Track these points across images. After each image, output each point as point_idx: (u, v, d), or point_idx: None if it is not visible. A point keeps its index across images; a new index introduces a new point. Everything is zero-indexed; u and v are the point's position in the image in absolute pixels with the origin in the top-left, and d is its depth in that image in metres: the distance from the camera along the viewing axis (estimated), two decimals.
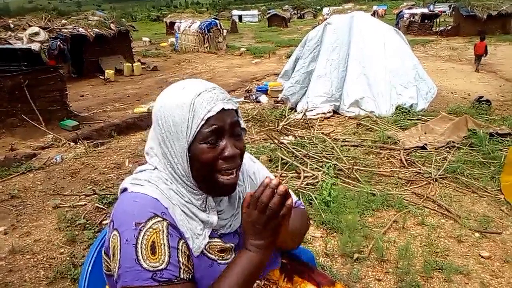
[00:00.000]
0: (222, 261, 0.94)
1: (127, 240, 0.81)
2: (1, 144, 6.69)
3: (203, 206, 0.94)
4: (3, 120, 7.29)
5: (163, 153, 0.92)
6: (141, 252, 0.80)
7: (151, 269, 0.80)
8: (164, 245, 0.82)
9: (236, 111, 0.93)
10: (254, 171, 1.14)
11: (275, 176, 0.97)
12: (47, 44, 11.38)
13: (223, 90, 0.94)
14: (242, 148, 0.94)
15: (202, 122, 0.86)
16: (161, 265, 0.81)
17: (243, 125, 0.96)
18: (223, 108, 0.88)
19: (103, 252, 0.96)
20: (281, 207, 0.84)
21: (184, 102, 0.88)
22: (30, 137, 6.96)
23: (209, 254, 0.92)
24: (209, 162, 0.88)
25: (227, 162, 0.90)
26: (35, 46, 8.47)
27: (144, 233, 0.81)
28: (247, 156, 1.14)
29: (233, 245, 0.98)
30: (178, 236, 0.86)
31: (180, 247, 0.85)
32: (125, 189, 0.92)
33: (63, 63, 11.90)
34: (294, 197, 1.23)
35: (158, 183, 0.90)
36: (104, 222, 3.57)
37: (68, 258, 3.03)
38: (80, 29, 13.74)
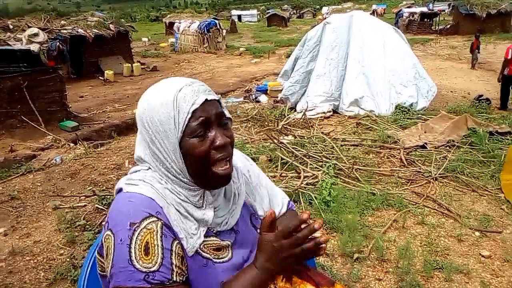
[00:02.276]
0: (218, 260, 0.93)
1: (121, 240, 0.81)
2: (0, 145, 6.69)
3: (200, 202, 0.94)
4: (2, 121, 7.28)
5: (154, 154, 0.91)
6: (135, 253, 0.80)
7: (144, 270, 0.80)
8: (157, 246, 0.82)
9: (218, 101, 0.94)
10: (248, 169, 1.15)
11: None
12: (46, 45, 11.36)
13: (202, 83, 0.95)
14: (231, 136, 0.94)
15: (189, 116, 0.87)
16: (153, 266, 0.80)
17: (228, 115, 0.96)
18: (206, 99, 0.89)
19: (96, 252, 0.96)
20: (312, 252, 0.87)
21: (167, 99, 0.88)
22: (29, 138, 6.96)
23: (203, 253, 0.92)
24: (202, 155, 0.88)
25: (219, 151, 0.90)
26: (34, 47, 8.46)
27: (138, 234, 0.81)
28: (240, 154, 1.15)
29: (229, 242, 0.98)
30: (172, 236, 0.86)
31: (174, 249, 0.85)
32: (120, 190, 0.92)
33: (62, 64, 11.89)
34: (286, 198, 1.24)
35: (152, 182, 0.90)
36: (104, 223, 3.57)
37: (68, 259, 3.03)
38: (79, 30, 13.73)
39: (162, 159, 0.90)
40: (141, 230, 0.82)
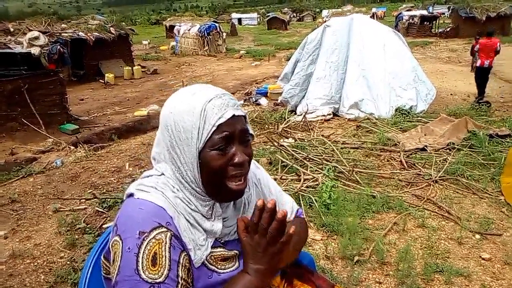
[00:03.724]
0: (223, 271, 0.93)
1: (129, 249, 0.80)
2: (1, 148, 6.69)
3: (209, 213, 0.93)
4: (3, 124, 7.29)
5: (172, 158, 0.91)
6: (142, 263, 0.79)
7: (150, 280, 0.79)
8: (165, 257, 0.82)
9: (244, 117, 0.93)
10: (259, 178, 1.14)
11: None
12: (47, 48, 11.40)
13: (232, 96, 0.94)
14: (250, 154, 0.94)
15: (214, 129, 0.86)
16: (159, 277, 0.80)
17: (251, 131, 0.96)
18: (233, 115, 0.88)
19: (102, 256, 0.96)
20: (280, 232, 0.84)
21: (195, 108, 0.87)
22: (30, 141, 6.96)
23: (209, 265, 0.91)
24: (219, 169, 0.88)
25: (236, 168, 0.89)
26: (35, 50, 8.49)
27: (147, 243, 0.81)
28: (252, 162, 1.14)
29: (237, 252, 0.97)
30: (180, 248, 0.86)
31: (181, 260, 0.85)
32: (131, 194, 0.91)
33: (63, 67, 11.91)
34: (295, 206, 1.22)
35: (164, 190, 0.89)
36: (104, 226, 3.57)
37: (68, 263, 3.02)
38: (80, 33, 13.78)
39: (179, 164, 0.90)
40: (150, 240, 0.81)
